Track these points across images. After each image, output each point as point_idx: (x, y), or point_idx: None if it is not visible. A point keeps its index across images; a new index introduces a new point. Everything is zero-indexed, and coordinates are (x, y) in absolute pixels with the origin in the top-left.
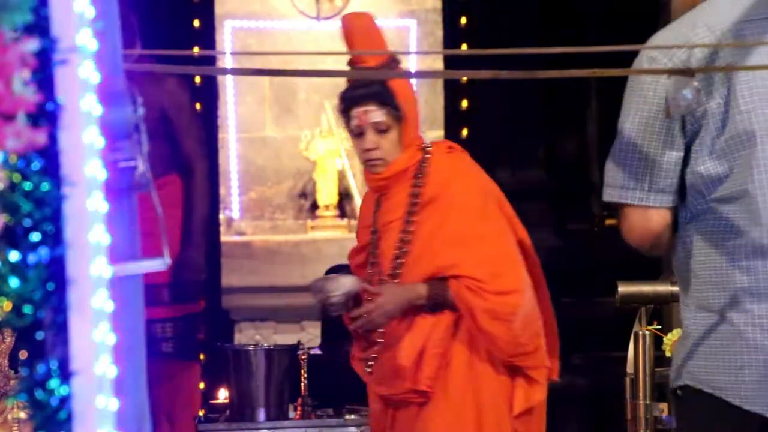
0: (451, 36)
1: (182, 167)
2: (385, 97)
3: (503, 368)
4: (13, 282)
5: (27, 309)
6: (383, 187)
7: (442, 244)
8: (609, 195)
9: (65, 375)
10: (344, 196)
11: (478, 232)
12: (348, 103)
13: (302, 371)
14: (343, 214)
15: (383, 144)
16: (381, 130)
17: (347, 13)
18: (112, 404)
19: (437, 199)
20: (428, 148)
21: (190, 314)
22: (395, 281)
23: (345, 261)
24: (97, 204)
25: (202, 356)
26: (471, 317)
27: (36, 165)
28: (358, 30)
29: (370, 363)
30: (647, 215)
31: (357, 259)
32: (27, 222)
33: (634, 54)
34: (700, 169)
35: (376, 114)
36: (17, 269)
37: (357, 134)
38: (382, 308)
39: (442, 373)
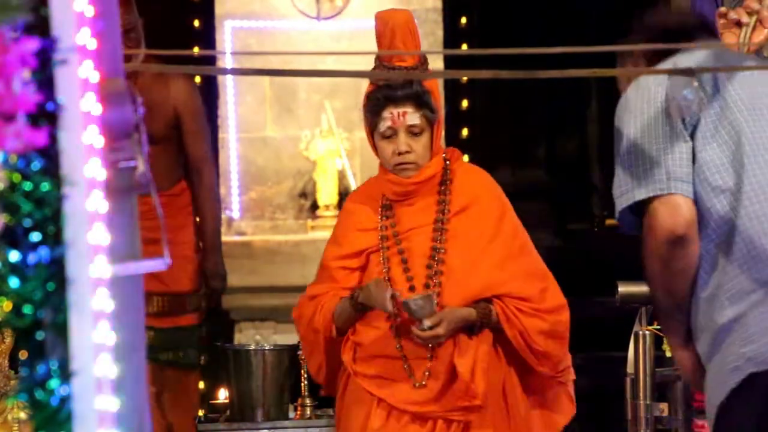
0: (451, 36)
1: (189, 172)
2: (423, 100)
3: (543, 383)
4: (13, 282)
5: (27, 309)
6: (411, 193)
7: (485, 262)
8: (627, 198)
9: (65, 375)
10: (344, 196)
11: (518, 247)
12: (382, 103)
13: (302, 371)
14: None
15: (416, 147)
16: (414, 133)
17: (385, 10)
18: (112, 404)
19: (468, 208)
20: (445, 155)
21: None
22: (429, 292)
23: None
24: (97, 204)
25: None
26: (522, 338)
27: (36, 165)
28: (400, 27)
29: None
30: (674, 202)
31: (346, 262)
32: (27, 222)
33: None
34: (703, 155)
35: (413, 116)
36: (17, 269)
37: (387, 136)
38: (446, 329)
39: (489, 389)
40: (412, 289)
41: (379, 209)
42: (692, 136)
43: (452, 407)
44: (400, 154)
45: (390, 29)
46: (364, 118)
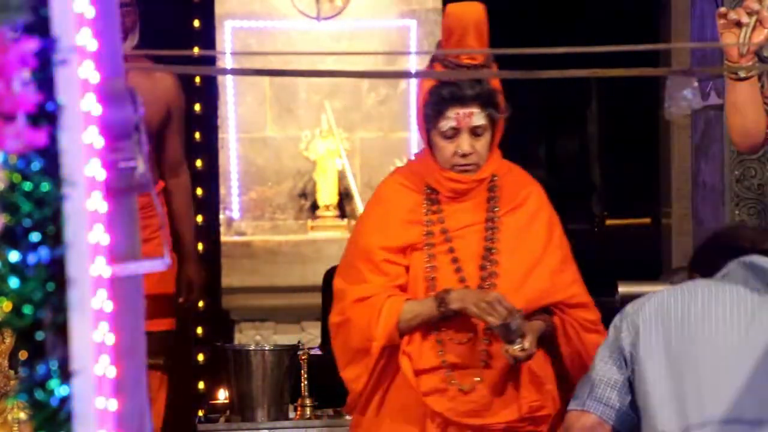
0: None
1: (165, 174)
2: (490, 99)
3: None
4: (13, 282)
5: (27, 309)
6: (468, 191)
7: (542, 266)
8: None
9: (65, 375)
10: (344, 196)
11: (567, 251)
12: (448, 101)
13: (302, 371)
14: (343, 214)
15: (478, 147)
16: (477, 134)
17: (457, 4)
18: (112, 404)
19: (518, 208)
20: None
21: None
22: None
23: None
24: (97, 204)
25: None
26: (579, 357)
27: (36, 165)
28: (475, 24)
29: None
30: (587, 420)
31: (394, 256)
32: (27, 222)
33: (635, 54)
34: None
35: (479, 117)
36: (17, 269)
37: (449, 135)
38: (534, 345)
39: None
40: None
41: (424, 202)
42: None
43: (519, 417)
44: (463, 155)
45: (463, 26)
46: (420, 113)
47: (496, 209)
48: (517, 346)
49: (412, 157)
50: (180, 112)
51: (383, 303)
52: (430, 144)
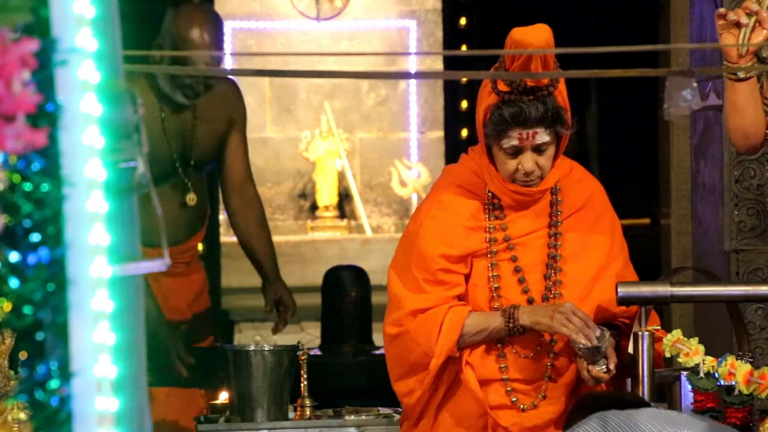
0: (451, 36)
1: (229, 189)
2: (555, 119)
3: None
4: (13, 282)
5: (27, 309)
6: (528, 203)
7: (607, 273)
8: None
9: (65, 375)
10: (344, 196)
11: (627, 255)
12: (510, 124)
13: (302, 371)
14: (342, 214)
15: (542, 163)
16: (541, 150)
17: (523, 29)
18: (112, 404)
19: (580, 210)
20: None
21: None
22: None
23: (345, 261)
24: (97, 204)
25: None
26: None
27: (36, 166)
28: (539, 48)
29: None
30: None
31: (456, 266)
32: (27, 222)
33: (634, 54)
34: None
35: (543, 135)
36: (17, 270)
37: (511, 153)
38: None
39: None
40: (530, 301)
41: (485, 207)
42: None
43: None
44: (526, 174)
45: (527, 55)
46: (480, 124)
47: (559, 213)
48: (601, 368)
49: (413, 158)
50: (243, 124)
51: (444, 316)
52: (490, 153)
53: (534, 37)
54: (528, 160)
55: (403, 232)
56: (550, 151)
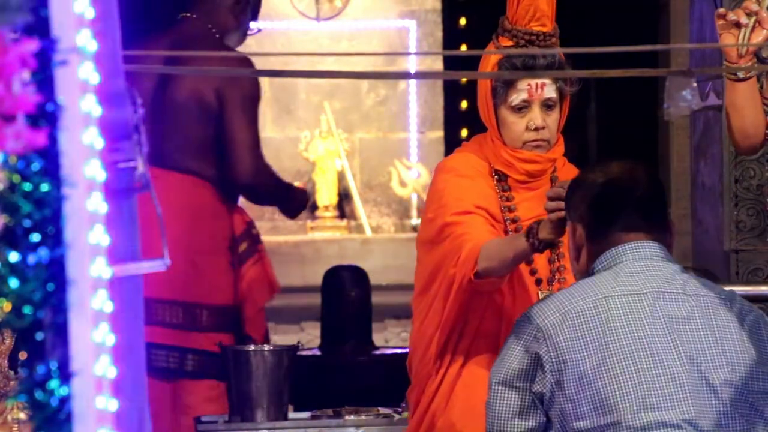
0: (451, 36)
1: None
2: (561, 70)
3: None
4: (13, 282)
5: (27, 309)
6: (538, 173)
7: None
8: None
9: (65, 375)
10: (344, 196)
11: None
12: (524, 69)
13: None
14: (342, 214)
15: (549, 123)
16: (549, 106)
17: None
18: (112, 404)
19: None
20: None
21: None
22: (550, 288)
23: (345, 261)
24: (97, 204)
25: None
26: None
27: (36, 166)
28: None
29: None
30: None
31: (486, 224)
32: (27, 223)
33: (634, 55)
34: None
35: (550, 89)
36: (17, 270)
37: (519, 108)
38: None
39: None
40: (538, 282)
41: (495, 186)
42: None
43: None
44: (536, 129)
45: None
46: (486, 90)
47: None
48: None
49: (413, 158)
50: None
51: (467, 235)
52: (497, 123)
53: None
54: (537, 116)
55: (401, 231)
56: (556, 112)
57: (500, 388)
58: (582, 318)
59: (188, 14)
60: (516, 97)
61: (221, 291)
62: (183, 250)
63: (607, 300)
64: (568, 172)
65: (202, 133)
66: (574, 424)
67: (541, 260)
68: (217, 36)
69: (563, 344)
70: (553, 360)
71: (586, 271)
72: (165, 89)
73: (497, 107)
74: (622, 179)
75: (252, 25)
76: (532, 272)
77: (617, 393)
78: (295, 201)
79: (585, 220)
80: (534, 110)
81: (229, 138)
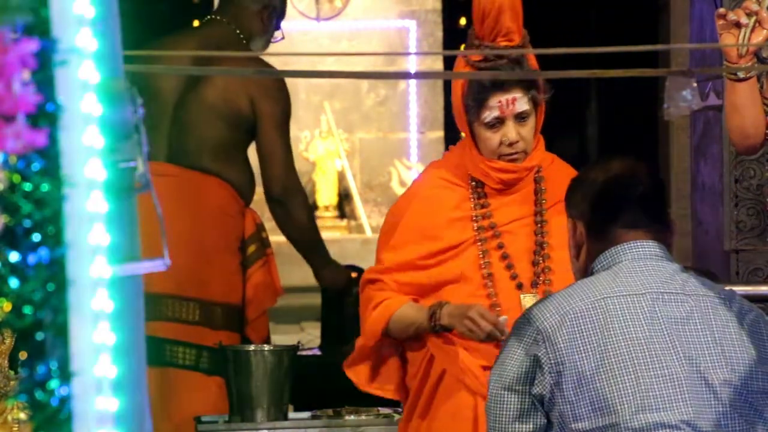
0: (451, 36)
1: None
2: (532, 81)
3: None
4: (13, 282)
5: (27, 310)
6: (513, 182)
7: None
8: None
9: (65, 375)
10: (344, 196)
11: None
12: (489, 90)
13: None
14: (342, 214)
15: (525, 134)
16: (522, 118)
17: None
18: (112, 404)
19: (563, 200)
20: None
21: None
22: (534, 291)
23: (345, 261)
24: (97, 204)
25: None
26: None
27: (36, 166)
28: (509, 3)
29: None
30: None
31: (439, 257)
32: (27, 223)
33: (634, 54)
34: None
35: (522, 102)
36: (17, 270)
37: (491, 125)
38: None
39: None
40: (519, 287)
41: (470, 196)
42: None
43: None
44: (510, 144)
45: (498, 6)
46: (459, 105)
47: (543, 202)
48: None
49: (413, 158)
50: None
51: (380, 301)
52: (472, 136)
53: None
54: (511, 130)
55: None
56: (531, 121)
57: (500, 391)
58: (580, 319)
59: (215, 17)
60: (488, 114)
61: (234, 290)
62: (199, 248)
63: (606, 301)
64: (558, 170)
65: (229, 136)
66: (573, 425)
67: (522, 263)
68: (244, 41)
69: (562, 346)
70: (552, 362)
71: (585, 270)
72: (194, 89)
73: (471, 123)
74: (624, 176)
75: (276, 33)
76: (513, 277)
77: (616, 394)
78: (330, 265)
79: (585, 217)
80: (507, 125)
81: (263, 152)
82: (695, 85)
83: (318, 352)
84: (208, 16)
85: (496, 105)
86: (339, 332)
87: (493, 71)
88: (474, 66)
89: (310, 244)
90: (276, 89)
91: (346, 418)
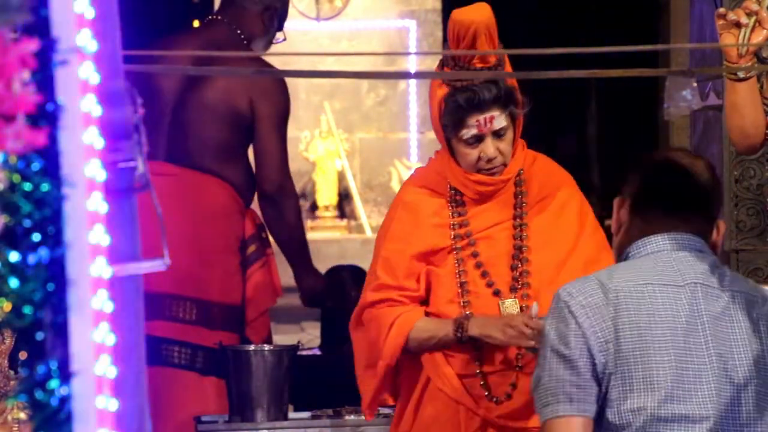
0: None
1: (260, 198)
2: (509, 99)
3: None
4: (13, 282)
5: (27, 309)
6: (491, 193)
7: (575, 260)
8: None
9: (65, 375)
10: (344, 196)
11: (602, 240)
12: (466, 110)
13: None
14: (342, 214)
15: (503, 148)
16: (500, 135)
17: (462, 10)
18: (112, 404)
19: (545, 199)
20: None
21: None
22: (513, 296)
23: (345, 261)
24: (97, 204)
25: None
26: None
27: (36, 166)
28: (484, 28)
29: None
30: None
31: (417, 265)
32: (27, 222)
33: (634, 55)
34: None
35: (500, 119)
36: (17, 270)
37: (471, 143)
38: None
39: None
40: (497, 293)
41: (448, 204)
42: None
43: (534, 424)
44: (488, 160)
45: (472, 31)
46: (437, 121)
47: (523, 205)
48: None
49: (413, 158)
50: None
51: (396, 318)
52: (450, 149)
53: (476, 14)
54: (489, 147)
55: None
56: (509, 135)
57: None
58: (625, 299)
59: (217, 17)
60: (466, 132)
61: (232, 290)
62: (199, 248)
63: (648, 287)
64: (540, 168)
65: (229, 136)
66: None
67: (499, 268)
68: (245, 41)
69: (610, 322)
70: (601, 339)
71: (620, 248)
72: (194, 89)
73: (450, 139)
74: (679, 165)
75: (278, 34)
76: (489, 284)
77: (648, 381)
78: (312, 274)
79: (633, 195)
80: (486, 142)
81: (260, 152)
82: (695, 85)
83: (318, 352)
84: (209, 17)
85: (474, 124)
86: (339, 332)
87: (488, 71)
88: (450, 85)
89: (297, 247)
90: (275, 90)
91: (346, 418)
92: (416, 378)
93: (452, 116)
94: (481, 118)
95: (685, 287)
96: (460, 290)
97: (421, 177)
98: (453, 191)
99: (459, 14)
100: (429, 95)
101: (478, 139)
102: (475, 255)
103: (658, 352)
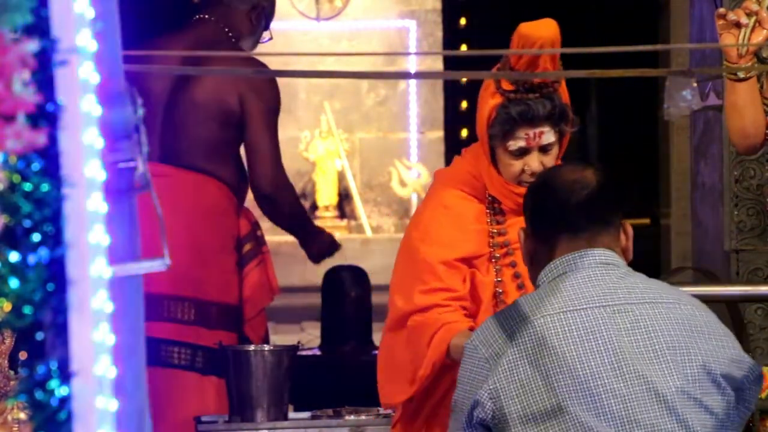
0: (451, 36)
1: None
2: (561, 117)
3: None
4: (13, 282)
5: (27, 309)
6: None
7: None
8: None
9: (65, 376)
10: (344, 196)
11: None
12: (518, 122)
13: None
14: (342, 214)
15: (546, 162)
16: (546, 150)
17: (531, 24)
18: (112, 405)
19: None
20: None
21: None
22: None
23: (344, 261)
24: (97, 205)
25: None
26: None
27: (36, 166)
28: (549, 42)
29: None
30: None
31: (458, 266)
32: (27, 223)
33: (634, 55)
34: None
35: (549, 135)
36: (17, 270)
37: (517, 154)
38: None
39: None
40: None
41: (487, 211)
42: None
43: None
44: (532, 174)
45: (538, 46)
46: (483, 131)
47: None
48: None
49: (413, 158)
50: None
51: (438, 329)
52: (493, 156)
53: (544, 31)
54: (534, 160)
55: (401, 231)
56: (554, 151)
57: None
58: (520, 343)
59: (204, 16)
60: (514, 144)
61: (230, 289)
62: (195, 248)
63: (545, 319)
64: None
65: (221, 135)
66: None
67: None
68: (233, 40)
69: (502, 375)
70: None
71: (533, 280)
72: (184, 89)
73: (495, 147)
74: (564, 182)
75: (264, 33)
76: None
77: (568, 416)
78: (317, 237)
79: (530, 225)
80: (532, 155)
81: (252, 149)
82: (695, 85)
83: (318, 352)
84: (197, 16)
85: (522, 136)
86: (339, 332)
87: (495, 73)
88: (505, 96)
89: (298, 227)
90: (265, 86)
91: (346, 418)
92: (435, 382)
93: (502, 126)
94: (531, 132)
95: (586, 310)
96: (495, 300)
97: (456, 179)
98: (491, 198)
99: (526, 28)
100: (479, 102)
101: (524, 151)
102: (513, 265)
103: (561, 388)
